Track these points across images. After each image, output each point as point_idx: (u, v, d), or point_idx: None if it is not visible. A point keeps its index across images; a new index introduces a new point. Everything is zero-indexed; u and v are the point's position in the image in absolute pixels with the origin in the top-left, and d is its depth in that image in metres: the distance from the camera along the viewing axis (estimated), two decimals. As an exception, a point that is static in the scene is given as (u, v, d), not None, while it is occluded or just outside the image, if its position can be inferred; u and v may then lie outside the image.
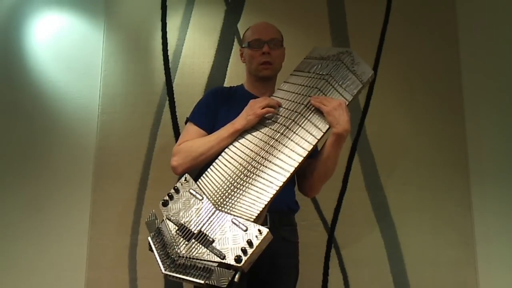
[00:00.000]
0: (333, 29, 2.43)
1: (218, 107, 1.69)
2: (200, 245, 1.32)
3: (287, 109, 1.58)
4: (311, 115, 1.53)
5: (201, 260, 1.29)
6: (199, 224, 1.37)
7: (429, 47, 2.41)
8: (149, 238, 1.41)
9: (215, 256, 1.27)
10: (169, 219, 1.41)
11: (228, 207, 1.38)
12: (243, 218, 1.34)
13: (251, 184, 1.42)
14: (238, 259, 1.24)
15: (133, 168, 2.29)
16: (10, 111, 2.36)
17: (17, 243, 2.25)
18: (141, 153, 2.31)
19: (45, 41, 2.42)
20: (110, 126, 2.34)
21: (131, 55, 2.41)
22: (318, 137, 1.48)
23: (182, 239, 1.35)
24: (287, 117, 1.55)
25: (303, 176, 1.66)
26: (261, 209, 1.36)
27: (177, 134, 2.30)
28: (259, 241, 1.26)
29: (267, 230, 1.28)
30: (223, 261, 1.26)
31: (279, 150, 1.47)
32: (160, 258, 1.34)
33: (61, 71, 2.39)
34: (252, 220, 1.33)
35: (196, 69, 2.39)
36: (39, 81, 2.38)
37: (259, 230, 1.28)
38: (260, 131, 1.55)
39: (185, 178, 1.49)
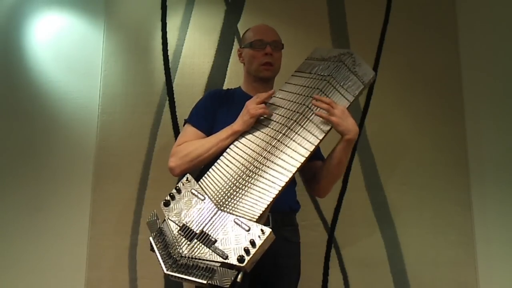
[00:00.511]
0: (333, 29, 2.43)
1: (216, 110, 1.70)
2: (203, 245, 1.31)
3: (289, 109, 1.58)
4: (313, 116, 1.53)
5: (203, 260, 1.28)
6: (201, 224, 1.37)
7: (429, 47, 2.41)
8: (151, 238, 1.41)
9: (218, 256, 1.27)
10: (171, 219, 1.41)
11: (230, 207, 1.38)
12: (245, 218, 1.34)
13: (254, 184, 1.42)
14: (241, 259, 1.24)
15: (133, 168, 2.29)
16: (10, 111, 2.36)
17: (17, 243, 2.24)
18: (141, 153, 2.31)
19: (45, 41, 2.42)
20: (110, 126, 2.33)
21: (131, 55, 2.40)
22: (320, 138, 1.48)
23: (184, 239, 1.35)
24: (289, 118, 1.55)
25: (316, 181, 1.67)
26: (263, 209, 1.35)
27: (177, 134, 2.30)
28: (262, 241, 1.26)
29: (270, 230, 1.28)
30: (226, 261, 1.26)
31: (281, 151, 1.47)
32: (162, 258, 1.34)
33: (61, 71, 2.39)
34: (255, 220, 1.33)
35: (196, 69, 2.38)
36: (39, 81, 2.38)
37: (262, 230, 1.28)
38: (262, 132, 1.55)
39: (187, 178, 1.49)
